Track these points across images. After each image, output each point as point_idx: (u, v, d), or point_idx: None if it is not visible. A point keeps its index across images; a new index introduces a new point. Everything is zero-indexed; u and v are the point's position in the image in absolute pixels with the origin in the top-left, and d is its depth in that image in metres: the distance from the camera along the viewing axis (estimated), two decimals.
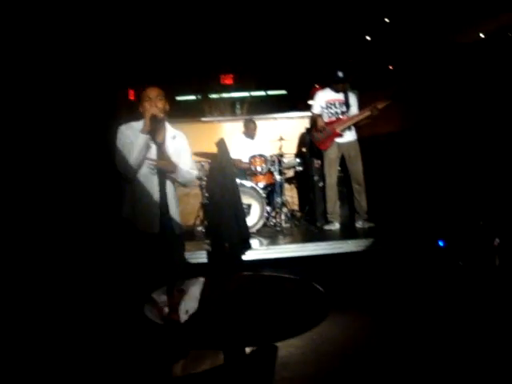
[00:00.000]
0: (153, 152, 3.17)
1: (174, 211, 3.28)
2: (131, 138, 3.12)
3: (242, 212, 4.80)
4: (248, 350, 2.12)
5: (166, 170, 3.18)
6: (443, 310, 3.95)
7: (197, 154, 6.07)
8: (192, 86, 11.58)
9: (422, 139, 6.36)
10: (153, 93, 3.22)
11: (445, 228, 4.99)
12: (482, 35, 10.48)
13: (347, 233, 5.69)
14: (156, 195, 3.18)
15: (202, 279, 2.76)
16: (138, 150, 3.08)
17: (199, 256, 4.92)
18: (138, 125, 3.17)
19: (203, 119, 7.65)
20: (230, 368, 1.98)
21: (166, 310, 2.29)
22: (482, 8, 8.64)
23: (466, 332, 3.52)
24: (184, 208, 6.93)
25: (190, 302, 2.44)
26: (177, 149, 3.29)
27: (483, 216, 4.67)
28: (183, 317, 2.19)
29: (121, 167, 3.12)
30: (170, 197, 3.26)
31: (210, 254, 4.83)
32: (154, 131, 3.15)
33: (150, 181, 3.18)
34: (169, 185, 3.26)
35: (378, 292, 4.44)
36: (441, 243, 4.85)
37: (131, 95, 10.19)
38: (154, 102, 3.16)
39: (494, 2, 8.41)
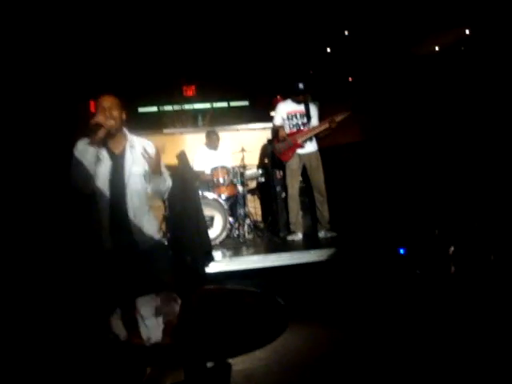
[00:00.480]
0: (107, 165, 2.97)
1: (137, 226, 3.04)
2: (83, 153, 2.90)
3: (203, 224, 4.78)
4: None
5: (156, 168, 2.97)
6: (403, 318, 4.01)
7: None
8: (154, 97, 11.52)
9: (381, 149, 6.48)
10: (106, 102, 2.98)
11: (404, 236, 5.08)
12: (437, 48, 10.83)
13: (310, 243, 5.71)
14: (106, 210, 2.97)
15: (162, 294, 2.72)
16: (89, 165, 2.86)
17: None
18: (87, 140, 2.92)
19: (165, 131, 7.60)
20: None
21: (126, 327, 2.24)
22: (438, 22, 8.91)
23: (424, 338, 3.58)
24: None
25: (150, 318, 2.40)
26: (139, 159, 3.02)
27: (439, 225, 4.77)
28: (144, 333, 2.15)
29: (74, 183, 2.90)
30: (133, 211, 3.02)
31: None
32: (108, 143, 2.98)
33: (103, 195, 2.96)
34: (134, 197, 3.04)
35: (340, 302, 4.47)
36: (401, 251, 4.93)
37: (92, 107, 10.08)
38: (108, 112, 2.95)
39: (450, 17, 8.69)
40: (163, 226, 6.25)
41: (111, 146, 3.01)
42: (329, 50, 10.02)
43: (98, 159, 2.91)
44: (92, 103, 10.27)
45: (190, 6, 7.89)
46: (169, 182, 3.23)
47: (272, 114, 6.37)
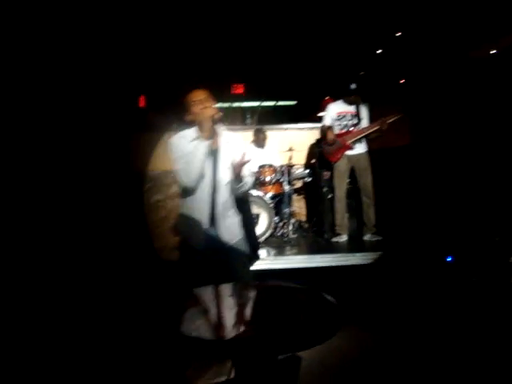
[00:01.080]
0: (209, 161, 3.01)
1: (223, 225, 3.09)
2: (187, 147, 2.95)
3: (251, 221, 4.80)
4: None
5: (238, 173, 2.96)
6: (450, 324, 3.93)
7: None
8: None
9: (432, 153, 6.35)
10: (201, 95, 3.01)
11: (454, 243, 4.97)
12: (495, 51, 10.49)
13: (355, 245, 5.67)
14: (206, 208, 3.04)
15: (211, 288, 2.75)
16: (201, 159, 2.91)
17: None
18: (190, 133, 3.03)
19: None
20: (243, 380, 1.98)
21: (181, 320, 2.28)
22: (496, 25, 8.66)
23: (476, 349, 3.50)
24: None
25: (200, 311, 2.44)
26: (233, 154, 3.02)
27: (499, 232, 4.65)
28: (195, 325, 2.18)
29: (183, 180, 2.97)
30: (221, 209, 3.08)
31: None
32: (204, 137, 2.98)
33: (203, 193, 3.02)
34: (222, 196, 3.08)
35: (384, 306, 4.42)
36: (449, 259, 4.83)
37: (142, 102, 10.26)
38: (206, 104, 2.97)
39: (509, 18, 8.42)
40: None
41: (203, 136, 3.00)
42: (380, 51, 9.88)
43: (201, 153, 2.92)
44: (142, 98, 10.49)
45: (242, 5, 7.93)
46: (249, 185, 3.21)
47: (321, 114, 6.34)
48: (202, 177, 2.98)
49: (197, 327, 2.06)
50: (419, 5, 7.84)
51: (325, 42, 9.59)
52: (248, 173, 3.13)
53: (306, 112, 10.49)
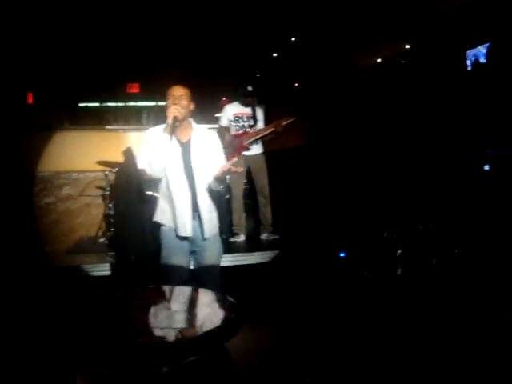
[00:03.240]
0: (178, 154, 3.18)
1: (205, 216, 3.27)
2: (155, 140, 3.08)
3: (149, 223, 4.71)
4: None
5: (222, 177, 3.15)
6: (343, 316, 4.11)
7: (100, 163, 5.90)
8: (96, 92, 11.23)
9: (325, 154, 6.61)
10: (176, 92, 3.21)
11: (347, 239, 5.21)
12: (379, 60, 11.19)
13: (253, 245, 5.74)
14: (188, 199, 3.20)
15: (111, 292, 2.67)
16: (160, 150, 3.05)
17: (102, 269, 4.76)
18: (162, 126, 3.14)
19: (108, 127, 7.43)
20: None
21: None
22: (381, 35, 9.21)
23: (369, 338, 3.69)
24: (85, 219, 6.70)
25: (94, 317, 2.34)
26: (205, 149, 3.27)
27: (387, 228, 4.94)
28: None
29: (148, 170, 3.15)
30: (202, 201, 3.26)
31: (114, 267, 4.68)
32: (177, 131, 3.15)
33: (182, 185, 3.20)
34: (201, 184, 3.25)
35: (283, 302, 4.53)
36: (342, 254, 5.05)
37: (30, 99, 9.70)
38: (178, 101, 3.14)
39: (392, 32, 9.00)
40: (103, 225, 6.12)
41: (179, 134, 3.19)
42: (275, 54, 10.13)
43: (168, 145, 3.08)
44: (30, 95, 9.90)
45: (139, 3, 7.76)
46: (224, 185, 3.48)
47: (218, 115, 6.35)
48: (174, 169, 3.17)
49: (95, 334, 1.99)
50: (314, 12, 8.12)
51: (222, 43, 9.65)
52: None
53: (203, 112, 10.48)
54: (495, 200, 4.64)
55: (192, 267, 3.48)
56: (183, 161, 3.22)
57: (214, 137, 3.44)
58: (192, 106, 3.27)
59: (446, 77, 7.52)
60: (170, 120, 3.06)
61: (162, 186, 3.29)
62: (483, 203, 4.71)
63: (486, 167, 5.04)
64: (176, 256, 3.27)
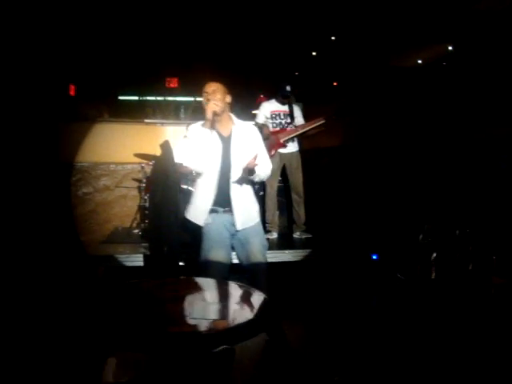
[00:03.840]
0: (218, 148, 3.28)
1: (238, 208, 3.34)
2: (196, 135, 3.26)
3: (182, 216, 4.75)
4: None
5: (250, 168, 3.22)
6: (377, 318, 4.07)
7: (137, 156, 5.98)
8: (136, 86, 11.39)
9: (361, 154, 6.54)
10: (209, 88, 3.31)
11: (380, 241, 5.15)
12: (420, 61, 11.02)
13: (285, 243, 5.73)
14: (212, 192, 3.29)
15: (144, 281, 2.70)
16: (201, 145, 3.21)
17: (135, 259, 4.83)
18: (202, 122, 3.30)
19: (146, 121, 7.52)
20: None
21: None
22: (423, 37, 9.07)
23: (403, 342, 3.64)
24: (120, 210, 6.81)
25: (127, 305, 2.38)
26: (246, 143, 3.35)
27: (422, 231, 4.86)
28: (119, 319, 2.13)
29: (191, 165, 3.33)
30: (235, 191, 3.33)
31: (147, 257, 4.74)
32: (217, 126, 3.30)
33: (215, 178, 3.29)
34: (234, 182, 3.32)
35: (313, 302, 4.51)
36: (374, 256, 5.00)
37: (72, 90, 9.91)
38: (212, 97, 3.25)
39: (433, 33, 8.84)
40: (138, 216, 6.20)
41: (220, 129, 3.32)
42: (314, 53, 10.09)
43: (208, 139, 3.25)
44: (72, 87, 10.12)
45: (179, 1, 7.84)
46: (263, 176, 3.49)
47: (255, 111, 6.36)
48: (212, 163, 3.28)
49: (129, 321, 2.01)
50: (354, 12, 8.05)
51: (262, 41, 9.66)
52: (263, 165, 3.40)
53: (243, 109, 10.51)
54: None
55: (237, 261, 3.54)
56: (222, 154, 3.29)
57: (255, 131, 3.51)
58: (228, 99, 3.36)
59: (489, 80, 7.34)
60: (209, 115, 3.18)
61: (200, 180, 3.41)
62: None
63: None
64: (214, 250, 3.30)
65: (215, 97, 3.25)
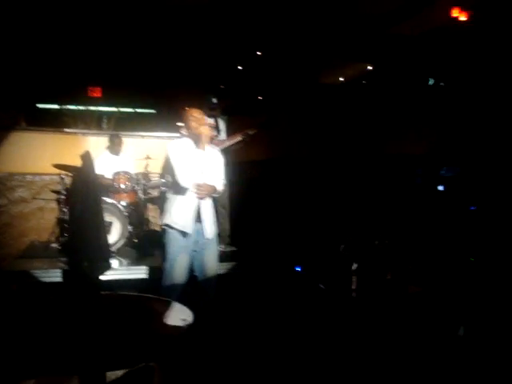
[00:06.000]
0: (199, 164, 3.65)
1: (207, 218, 3.79)
2: (184, 153, 3.64)
3: (103, 229, 4.61)
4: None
5: (209, 194, 3.73)
6: (300, 329, 4.14)
7: (57, 167, 5.77)
8: (56, 94, 10.98)
9: (284, 168, 6.66)
10: (198, 114, 3.78)
11: (304, 253, 5.25)
12: (341, 79, 11.43)
13: None
14: (193, 204, 3.69)
15: (57, 298, 2.59)
16: (197, 165, 3.61)
17: (53, 274, 4.65)
18: (185, 142, 3.74)
19: (66, 130, 7.29)
20: None
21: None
22: (345, 55, 9.42)
23: (325, 350, 3.71)
24: (37, 223, 6.53)
25: (41, 324, 2.27)
26: (214, 161, 3.79)
27: (343, 242, 5.01)
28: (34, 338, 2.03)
29: (182, 179, 3.60)
30: (204, 207, 3.76)
31: (65, 273, 4.57)
32: (198, 145, 3.69)
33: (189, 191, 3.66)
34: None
35: (237, 315, 4.51)
36: (298, 268, 5.09)
37: None
38: (202, 122, 3.72)
39: (356, 52, 9.21)
40: (56, 230, 5.96)
41: (199, 147, 3.69)
42: (240, 67, 10.18)
43: (193, 157, 3.64)
44: None
45: (105, 8, 7.65)
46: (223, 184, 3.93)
47: (180, 124, 6.31)
48: (194, 177, 3.64)
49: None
50: (280, 29, 8.22)
51: (187, 55, 9.63)
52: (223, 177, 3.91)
53: (165, 121, 10.42)
54: (448, 218, 4.78)
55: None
56: (201, 170, 3.68)
57: (218, 153, 3.96)
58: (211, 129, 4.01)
59: (404, 98, 7.74)
60: (207, 139, 3.67)
61: (176, 191, 3.73)
62: (437, 221, 4.84)
63: (441, 188, 5.20)
64: (181, 255, 3.72)
65: (204, 122, 3.73)
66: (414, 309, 4.08)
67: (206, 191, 3.70)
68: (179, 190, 3.70)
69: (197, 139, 3.69)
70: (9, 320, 2.22)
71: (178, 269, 3.71)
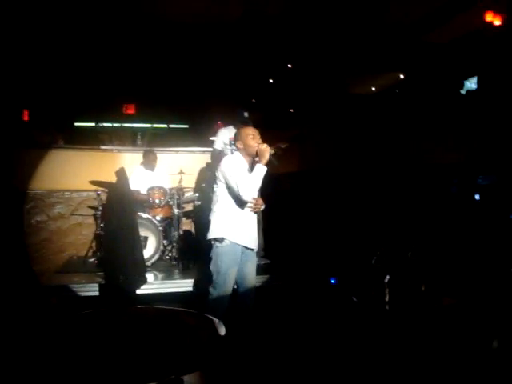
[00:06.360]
0: None
1: (254, 231, 3.96)
2: (243, 169, 3.77)
3: (139, 244, 4.69)
4: None
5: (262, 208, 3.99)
6: (339, 340, 4.09)
7: (93, 183, 5.89)
8: (92, 112, 11.25)
9: (317, 180, 6.63)
10: (254, 131, 3.87)
11: (337, 266, 5.20)
12: (373, 89, 11.35)
13: None
14: (248, 217, 3.84)
15: (96, 312, 2.63)
16: (260, 180, 3.75)
17: (91, 289, 4.73)
18: (239, 157, 3.87)
19: (102, 147, 7.44)
20: None
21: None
22: (376, 65, 9.35)
23: (361, 363, 3.66)
24: (75, 238, 6.66)
25: (84, 338, 2.31)
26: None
27: (375, 255, 4.95)
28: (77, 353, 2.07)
29: (245, 194, 3.66)
30: (253, 220, 3.93)
31: (102, 287, 4.64)
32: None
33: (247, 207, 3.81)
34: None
35: (273, 327, 4.49)
36: (332, 281, 5.05)
37: (25, 116, 9.70)
38: (259, 139, 3.80)
39: (385, 62, 9.14)
40: (94, 244, 6.08)
41: (253, 163, 3.85)
42: (271, 80, 10.22)
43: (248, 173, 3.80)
44: (26, 112, 9.91)
45: (138, 27, 7.83)
46: None
47: (213, 138, 6.37)
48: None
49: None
50: (310, 40, 8.23)
51: (218, 69, 9.74)
52: None
53: (199, 136, 10.54)
54: (483, 229, 4.66)
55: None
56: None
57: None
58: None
59: (437, 107, 7.63)
60: (268, 156, 3.72)
61: (232, 204, 3.80)
62: (472, 231, 4.73)
63: (477, 197, 5.09)
64: (233, 269, 3.77)
65: (260, 139, 3.82)
66: (449, 321, 3.99)
67: (260, 206, 3.89)
68: (234, 203, 3.79)
69: (251, 156, 3.85)
70: (48, 334, 2.26)
71: (230, 282, 3.77)
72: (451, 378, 3.32)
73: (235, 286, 3.92)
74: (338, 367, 3.67)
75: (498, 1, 6.24)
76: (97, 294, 4.68)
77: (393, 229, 5.43)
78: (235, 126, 5.90)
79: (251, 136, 3.81)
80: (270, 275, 5.26)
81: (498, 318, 3.84)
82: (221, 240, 3.76)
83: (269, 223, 5.97)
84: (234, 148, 5.80)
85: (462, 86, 7.99)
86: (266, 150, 3.72)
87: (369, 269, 4.84)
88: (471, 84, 7.96)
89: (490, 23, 6.32)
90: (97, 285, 4.74)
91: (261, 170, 3.74)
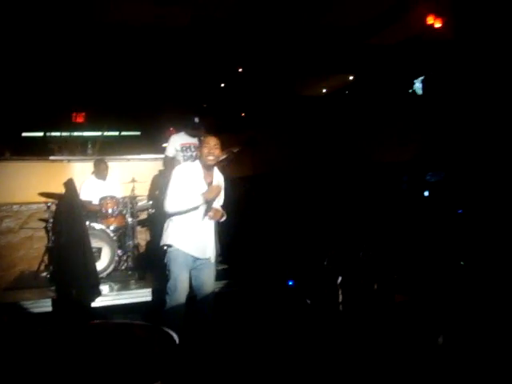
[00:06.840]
0: (202, 191, 3.75)
1: (210, 239, 3.93)
2: (189, 178, 3.75)
3: (90, 256, 4.59)
4: None
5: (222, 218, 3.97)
6: (293, 345, 4.12)
7: (43, 195, 5.74)
8: (40, 122, 10.96)
9: (270, 183, 6.66)
10: (212, 141, 3.76)
11: (293, 269, 5.23)
12: (324, 90, 11.53)
13: None
14: (199, 224, 3.79)
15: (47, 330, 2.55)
16: (191, 188, 3.71)
17: (43, 304, 4.59)
18: (193, 167, 3.84)
19: (51, 158, 7.25)
20: None
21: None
22: (325, 68, 9.51)
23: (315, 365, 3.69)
24: (26, 253, 6.47)
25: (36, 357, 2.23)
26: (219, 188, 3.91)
27: (327, 257, 5.00)
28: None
29: (170, 207, 3.73)
30: (208, 228, 3.90)
31: (55, 302, 4.52)
32: (204, 174, 3.81)
33: (199, 215, 3.77)
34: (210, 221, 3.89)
35: (230, 332, 4.48)
36: (290, 283, 5.07)
37: None
38: (213, 150, 3.73)
39: (334, 64, 9.31)
40: (46, 258, 5.92)
41: (205, 176, 3.83)
42: (223, 85, 10.24)
43: (197, 184, 3.77)
44: None
45: (85, 34, 7.69)
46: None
47: (165, 145, 6.31)
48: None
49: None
50: (261, 44, 8.29)
51: (168, 75, 9.67)
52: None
53: (151, 143, 10.42)
54: (434, 225, 4.79)
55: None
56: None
57: (223, 182, 4.03)
58: (221, 156, 4.02)
59: (386, 107, 7.80)
60: (207, 167, 3.77)
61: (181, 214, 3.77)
62: (422, 229, 4.85)
63: (426, 193, 5.23)
64: (185, 273, 3.78)
65: (215, 151, 3.74)
66: (400, 318, 4.07)
67: (219, 216, 3.90)
68: (181, 214, 3.77)
69: (205, 167, 3.82)
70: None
71: (181, 287, 3.75)
72: (401, 373, 3.39)
73: (194, 294, 3.92)
74: (296, 370, 3.69)
75: (438, 4, 6.44)
76: (50, 309, 4.55)
77: (344, 229, 5.50)
78: (187, 132, 5.87)
79: (207, 149, 3.76)
80: (228, 280, 5.23)
81: (444, 313, 3.96)
82: (169, 246, 3.79)
83: (224, 228, 5.96)
84: (187, 154, 5.81)
85: (411, 86, 8.22)
86: (208, 163, 3.77)
87: (321, 270, 4.90)
88: (418, 84, 8.21)
89: (431, 26, 6.53)
90: (49, 300, 4.61)
91: (198, 201, 3.72)
